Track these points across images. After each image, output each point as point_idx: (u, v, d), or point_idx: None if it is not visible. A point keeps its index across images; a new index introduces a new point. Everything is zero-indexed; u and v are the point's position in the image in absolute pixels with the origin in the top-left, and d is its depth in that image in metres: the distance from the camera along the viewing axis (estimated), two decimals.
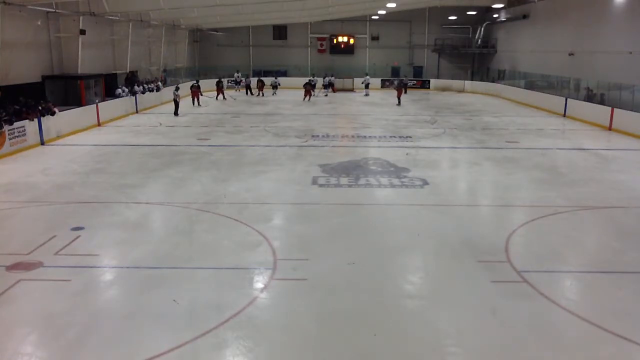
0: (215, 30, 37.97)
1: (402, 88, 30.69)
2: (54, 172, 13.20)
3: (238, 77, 35.79)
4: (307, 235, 8.96)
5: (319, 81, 34.71)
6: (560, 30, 27.73)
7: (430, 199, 11.15)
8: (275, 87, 34.36)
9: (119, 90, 23.88)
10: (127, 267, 7.70)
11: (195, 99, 27.85)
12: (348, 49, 40.83)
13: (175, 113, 24.26)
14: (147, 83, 27.32)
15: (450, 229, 9.27)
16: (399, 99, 29.14)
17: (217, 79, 31.77)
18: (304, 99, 30.24)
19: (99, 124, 20.69)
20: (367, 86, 34.31)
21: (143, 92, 25.93)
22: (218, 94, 30.71)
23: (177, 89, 25.14)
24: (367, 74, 35.69)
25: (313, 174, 13.07)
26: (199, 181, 12.37)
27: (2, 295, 6.72)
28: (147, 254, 8.11)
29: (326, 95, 32.80)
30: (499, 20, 36.91)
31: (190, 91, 28.35)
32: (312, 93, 31.19)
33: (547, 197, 11.27)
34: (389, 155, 15.41)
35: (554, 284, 7.25)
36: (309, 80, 32.62)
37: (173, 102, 24.84)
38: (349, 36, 40.59)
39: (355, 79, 36.56)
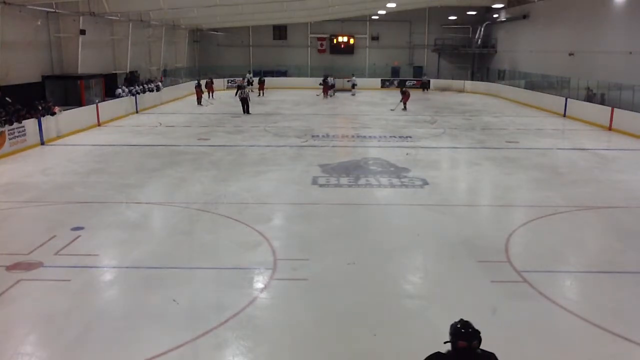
0: (215, 30, 37.95)
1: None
2: (54, 172, 13.20)
3: (250, 77, 34.92)
4: (307, 235, 8.96)
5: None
6: (560, 30, 27.73)
7: (430, 199, 11.14)
8: (353, 86, 34.32)
9: (119, 90, 23.87)
10: (127, 267, 7.70)
11: (200, 98, 28.25)
12: (348, 49, 40.80)
13: (246, 111, 24.33)
14: (147, 83, 27.32)
15: (450, 229, 9.27)
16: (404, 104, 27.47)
17: (207, 79, 31.37)
18: (324, 96, 31.72)
19: (99, 124, 20.69)
20: (353, 86, 34.44)
21: (143, 92, 25.94)
22: (211, 93, 30.62)
23: (248, 83, 24.96)
24: (353, 75, 35.76)
25: (313, 174, 13.07)
26: (199, 181, 12.37)
27: (2, 295, 6.72)
28: (147, 254, 8.11)
29: (317, 95, 32.80)
30: (499, 20, 36.90)
31: (195, 90, 28.76)
32: (329, 93, 32.40)
33: (547, 197, 11.27)
34: (389, 155, 15.41)
35: (554, 284, 7.25)
36: (325, 79, 33.08)
37: (240, 101, 24.73)
38: (349, 36, 40.57)
39: (343, 79, 36.03)
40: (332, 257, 8.02)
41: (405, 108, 26.32)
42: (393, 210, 10.55)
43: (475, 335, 3.38)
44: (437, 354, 3.47)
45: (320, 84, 32.96)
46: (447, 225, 9.49)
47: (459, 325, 3.43)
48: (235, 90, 25.83)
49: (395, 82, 38.77)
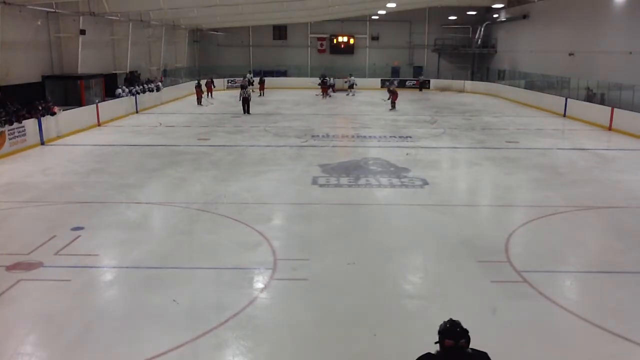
0: (215, 30, 37.96)
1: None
2: (54, 172, 13.20)
3: (251, 77, 34.65)
4: (307, 235, 8.96)
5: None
6: (560, 30, 27.73)
7: (430, 199, 11.14)
8: (351, 86, 34.20)
9: (119, 90, 23.88)
10: (127, 267, 7.70)
11: (200, 98, 28.35)
12: (348, 49, 40.82)
13: (247, 111, 24.29)
14: (147, 83, 27.33)
15: (450, 229, 9.27)
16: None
17: (207, 79, 31.45)
18: (323, 97, 32.09)
19: (99, 124, 20.69)
20: (350, 86, 34.35)
21: (143, 92, 25.94)
22: (210, 93, 30.66)
23: (249, 83, 24.93)
24: (350, 75, 35.63)
25: (313, 174, 13.07)
26: (199, 181, 12.37)
27: (2, 295, 6.72)
28: (147, 254, 8.11)
29: (317, 95, 33.02)
30: (499, 20, 36.91)
31: (195, 90, 28.89)
32: (328, 92, 32.60)
33: (547, 197, 11.27)
34: (389, 155, 15.41)
35: (554, 284, 7.25)
36: (324, 79, 33.21)
37: (241, 100, 24.61)
38: (349, 36, 40.58)
39: (338, 79, 35.86)
40: (332, 257, 8.02)
41: (394, 107, 26.48)
42: (393, 210, 10.55)
43: (463, 334, 3.39)
44: (427, 354, 3.47)
45: (319, 84, 33.03)
46: (447, 225, 9.48)
47: (448, 325, 3.44)
48: (240, 91, 25.82)
49: (395, 82, 38.79)
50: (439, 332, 3.44)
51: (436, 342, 3.46)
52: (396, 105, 26.55)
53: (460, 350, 3.37)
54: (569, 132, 20.47)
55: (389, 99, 26.82)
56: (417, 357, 3.49)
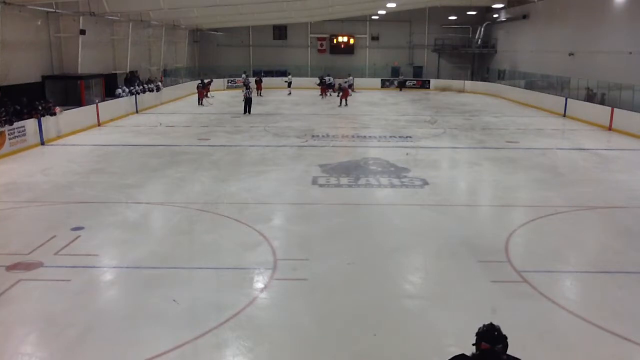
0: (215, 30, 37.96)
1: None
2: (54, 172, 13.20)
3: (245, 78, 34.37)
4: (307, 235, 8.96)
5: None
6: (560, 30, 27.74)
7: (430, 199, 11.14)
8: (350, 86, 33.96)
9: (119, 90, 23.88)
10: (127, 267, 7.70)
11: (201, 99, 28.39)
12: (348, 49, 40.83)
13: (247, 111, 24.29)
14: (147, 83, 27.32)
15: (450, 229, 9.27)
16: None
17: (208, 80, 31.47)
18: (320, 96, 32.34)
19: (99, 124, 20.69)
20: (349, 86, 34.20)
21: (143, 92, 25.93)
22: (206, 93, 30.64)
23: (248, 84, 25.52)
24: (349, 75, 35.49)
25: (313, 174, 13.07)
26: (199, 181, 12.37)
27: (2, 295, 6.72)
28: (147, 254, 8.11)
29: (289, 94, 33.33)
30: (499, 20, 36.92)
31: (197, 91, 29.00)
32: (327, 92, 32.78)
33: (547, 197, 11.27)
34: (389, 155, 15.41)
35: (554, 284, 7.26)
36: (322, 79, 33.34)
37: (244, 100, 24.63)
38: (349, 36, 40.59)
39: (337, 79, 35.57)
40: (332, 257, 8.01)
41: (346, 104, 27.55)
42: (393, 210, 10.54)
43: (500, 339, 3.41)
44: (462, 355, 3.48)
45: (318, 84, 33.06)
46: (447, 225, 9.49)
47: (486, 328, 3.46)
48: (245, 90, 25.86)
49: (395, 82, 38.82)
50: (477, 334, 3.47)
51: (473, 344, 3.47)
52: (347, 102, 27.67)
53: (496, 355, 3.38)
54: (569, 132, 20.46)
55: (338, 95, 28.07)
56: (450, 357, 3.48)
